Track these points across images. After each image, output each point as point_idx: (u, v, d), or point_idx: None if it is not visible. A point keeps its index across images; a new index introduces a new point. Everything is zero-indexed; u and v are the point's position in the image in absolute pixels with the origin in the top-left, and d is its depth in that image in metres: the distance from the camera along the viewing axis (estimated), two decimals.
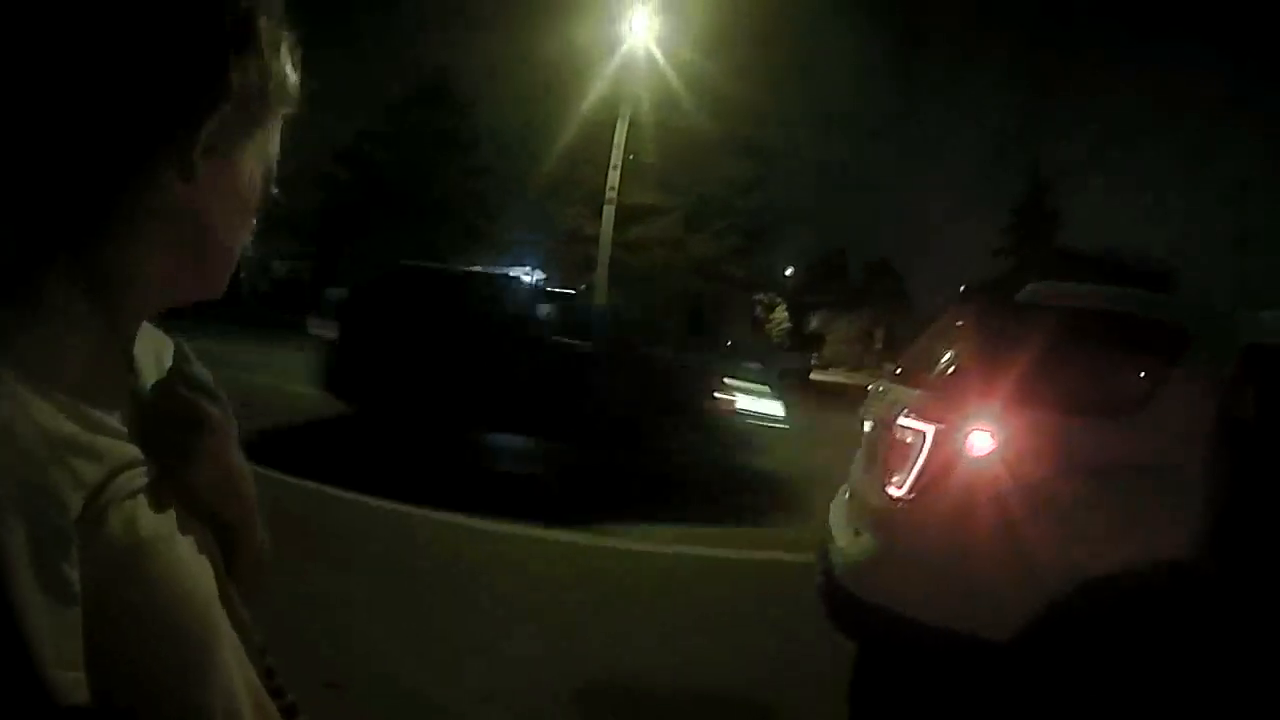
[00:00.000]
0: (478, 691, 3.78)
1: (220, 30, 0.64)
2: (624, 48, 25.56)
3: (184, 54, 0.62)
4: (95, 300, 0.64)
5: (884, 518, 3.75)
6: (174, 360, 0.77)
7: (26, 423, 0.55)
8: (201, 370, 0.76)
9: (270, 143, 0.75)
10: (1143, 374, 3.77)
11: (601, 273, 26.14)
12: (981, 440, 3.49)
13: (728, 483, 8.92)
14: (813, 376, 38.38)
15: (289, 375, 11.52)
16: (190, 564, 0.67)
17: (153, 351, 0.78)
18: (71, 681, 0.53)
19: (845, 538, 4.02)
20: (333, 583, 4.67)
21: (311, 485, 6.63)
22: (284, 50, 0.72)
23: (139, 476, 0.64)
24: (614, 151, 25.86)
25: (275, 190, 0.78)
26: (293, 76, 0.74)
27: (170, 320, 0.77)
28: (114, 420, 0.64)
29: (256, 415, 7.30)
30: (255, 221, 0.76)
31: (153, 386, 0.73)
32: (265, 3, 0.68)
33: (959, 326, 4.32)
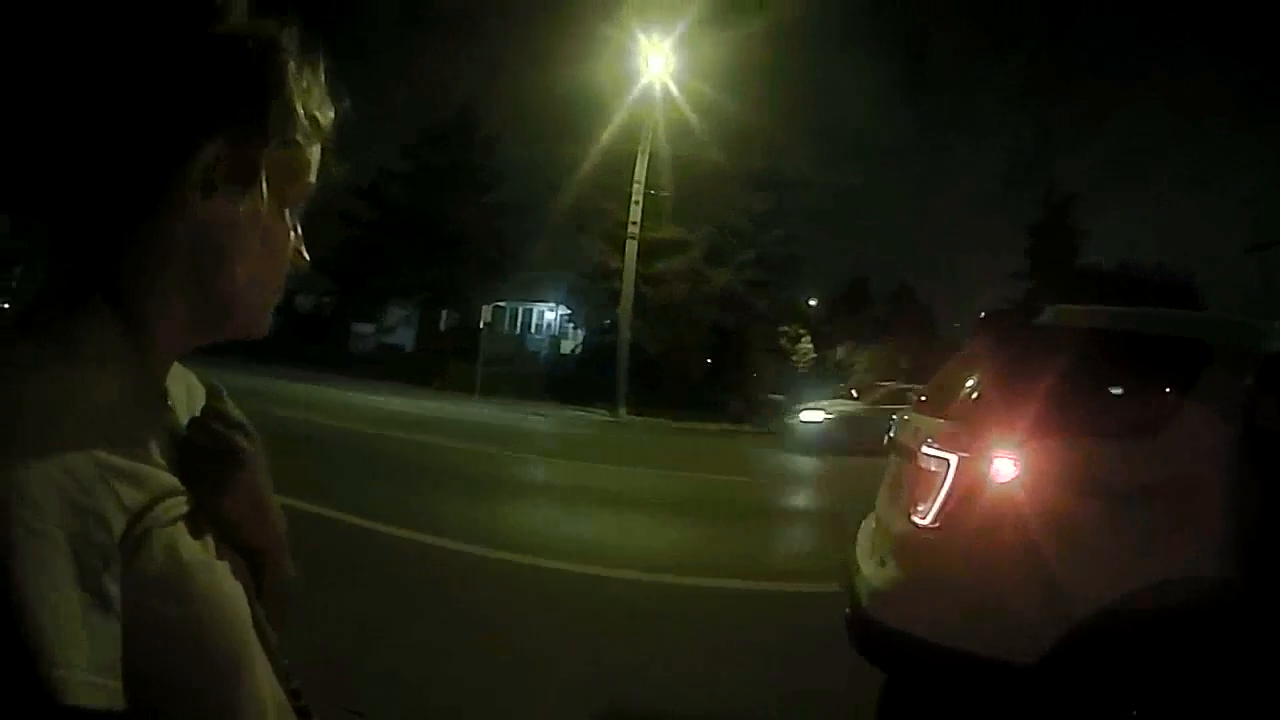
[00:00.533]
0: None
1: (206, 66, 0.67)
2: (641, 83, 25.86)
3: (170, 90, 0.65)
4: (127, 338, 0.68)
5: (910, 546, 3.73)
6: (208, 398, 0.81)
7: (74, 447, 0.59)
8: (234, 408, 0.81)
9: (296, 179, 0.77)
10: (1164, 391, 3.74)
11: (625, 306, 26.27)
12: (1005, 467, 3.49)
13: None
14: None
15: None
16: (227, 587, 0.71)
17: (185, 390, 0.82)
18: (110, 689, 0.56)
19: (871, 567, 4.01)
20: (358, 610, 4.74)
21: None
22: (298, 86, 0.74)
23: (179, 505, 0.67)
24: (635, 186, 26.08)
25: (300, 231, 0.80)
26: (309, 112, 0.76)
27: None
28: (153, 452, 0.68)
29: None
30: (295, 255, 0.79)
31: (190, 422, 0.76)
32: (267, 37, 0.70)
33: (978, 353, 4.32)
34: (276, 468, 0.83)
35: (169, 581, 0.63)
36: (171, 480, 0.68)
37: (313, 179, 0.79)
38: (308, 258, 0.80)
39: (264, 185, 0.73)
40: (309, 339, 32.01)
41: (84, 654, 0.55)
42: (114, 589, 0.58)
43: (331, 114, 0.79)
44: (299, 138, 0.76)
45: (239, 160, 0.70)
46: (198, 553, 0.68)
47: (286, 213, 0.77)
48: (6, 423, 0.57)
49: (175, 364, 0.78)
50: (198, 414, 0.78)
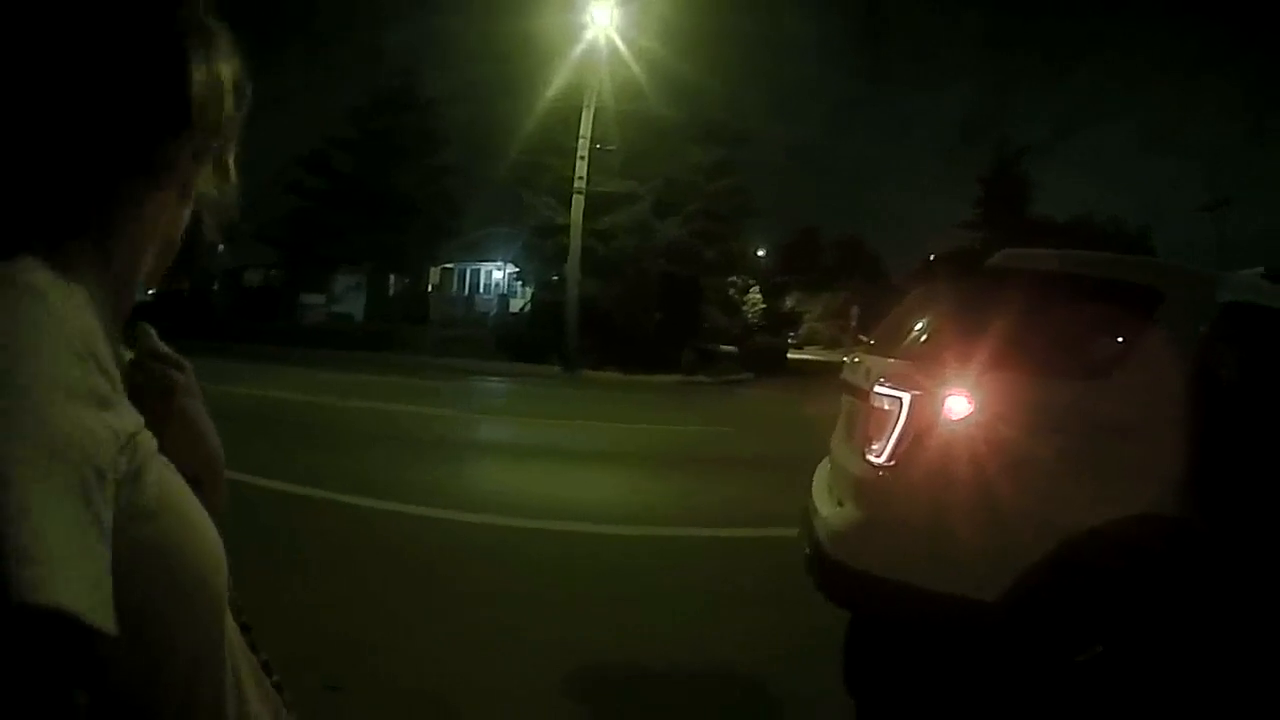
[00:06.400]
0: (482, 685, 3.78)
1: (174, 52, 0.68)
2: (587, 37, 25.56)
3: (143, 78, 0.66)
4: (105, 273, 0.69)
5: (866, 486, 3.78)
6: (139, 337, 0.81)
7: (73, 366, 0.58)
8: (162, 344, 0.83)
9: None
10: (1117, 334, 3.79)
11: (574, 262, 26.12)
12: (959, 404, 3.53)
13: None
14: (790, 355, 38.59)
15: None
16: (207, 520, 0.70)
17: None
18: (105, 607, 0.53)
19: (828, 508, 4.06)
20: (327, 583, 4.72)
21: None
22: (224, 61, 0.75)
23: (152, 437, 0.67)
24: (580, 141, 25.84)
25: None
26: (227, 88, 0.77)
27: None
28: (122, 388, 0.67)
29: None
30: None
31: (129, 361, 0.78)
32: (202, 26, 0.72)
33: (930, 296, 4.36)
34: (227, 448, 0.84)
35: (163, 513, 0.63)
36: (139, 414, 0.67)
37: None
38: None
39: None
40: (259, 314, 31.58)
41: (81, 568, 0.53)
42: (107, 514, 0.56)
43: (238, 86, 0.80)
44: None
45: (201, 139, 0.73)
46: (182, 486, 0.68)
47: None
48: (10, 336, 0.56)
49: None
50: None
